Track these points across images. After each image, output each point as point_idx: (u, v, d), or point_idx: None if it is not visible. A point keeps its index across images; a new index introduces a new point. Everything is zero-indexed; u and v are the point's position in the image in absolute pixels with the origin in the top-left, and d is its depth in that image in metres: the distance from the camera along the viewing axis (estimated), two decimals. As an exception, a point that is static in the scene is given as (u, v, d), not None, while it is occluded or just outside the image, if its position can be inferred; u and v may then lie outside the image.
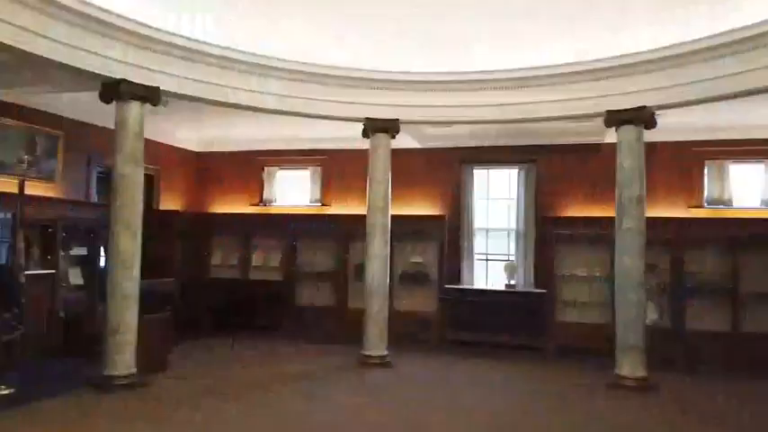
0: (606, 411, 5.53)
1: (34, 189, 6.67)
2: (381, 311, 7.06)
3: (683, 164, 8.29)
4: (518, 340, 8.13)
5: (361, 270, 8.08)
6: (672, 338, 7.46)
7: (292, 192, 10.07)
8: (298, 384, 6.22)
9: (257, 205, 10.09)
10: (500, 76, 6.74)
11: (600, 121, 6.67)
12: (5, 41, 4.75)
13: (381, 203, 7.13)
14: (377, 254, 7.09)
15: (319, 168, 9.84)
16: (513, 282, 8.61)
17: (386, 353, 7.05)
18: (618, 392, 6.00)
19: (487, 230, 9.20)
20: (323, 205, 9.74)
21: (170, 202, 9.77)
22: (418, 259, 8.94)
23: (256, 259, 9.74)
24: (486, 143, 8.81)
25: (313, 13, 5.49)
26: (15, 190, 5.92)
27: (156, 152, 8.04)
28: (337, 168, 9.63)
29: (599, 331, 7.54)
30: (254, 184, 10.17)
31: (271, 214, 9.88)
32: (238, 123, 8.77)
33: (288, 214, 9.64)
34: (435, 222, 8.97)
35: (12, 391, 5.45)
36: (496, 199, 9.21)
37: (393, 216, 7.33)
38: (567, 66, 6.40)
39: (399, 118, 7.16)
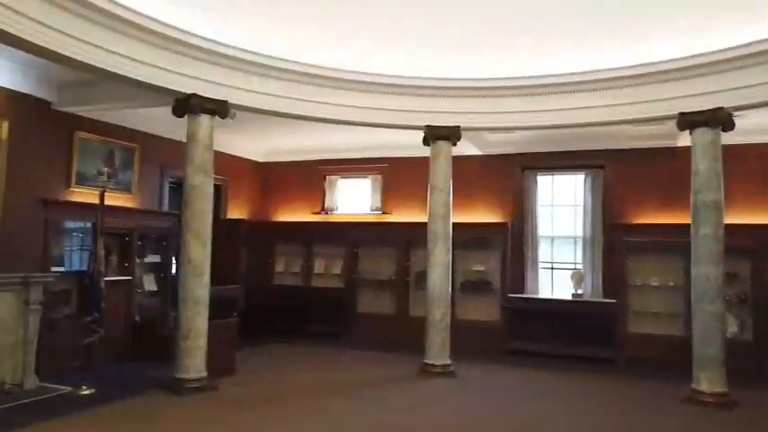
0: (680, 428, 5.24)
1: (113, 200, 7.04)
2: (443, 320, 6.99)
3: (765, 166, 7.79)
4: (586, 352, 7.85)
5: (422, 278, 8.05)
6: (754, 352, 7.01)
7: (353, 200, 10.19)
8: (358, 392, 6.24)
9: (319, 213, 10.26)
10: (564, 80, 6.56)
11: (673, 124, 6.38)
12: (90, 62, 5.08)
13: (442, 211, 7.08)
14: (438, 262, 7.04)
15: (379, 176, 9.91)
16: (580, 291, 8.34)
17: (449, 362, 6.97)
18: (694, 409, 5.66)
19: (552, 238, 8.97)
20: (383, 213, 9.79)
21: (236, 211, 10.09)
22: (480, 267, 8.83)
23: (318, 267, 9.91)
24: (551, 149, 8.63)
25: (371, 24, 5.53)
26: (96, 200, 6.30)
27: (223, 163, 8.31)
28: (397, 176, 9.66)
29: (674, 343, 7.21)
30: (316, 193, 10.36)
31: (332, 222, 10.03)
32: (300, 133, 8.98)
33: (349, 222, 9.75)
34: (497, 230, 8.83)
35: (92, 391, 5.77)
36: (561, 206, 8.97)
37: (454, 223, 7.25)
38: (636, 67, 6.15)
39: (460, 125, 7.10)
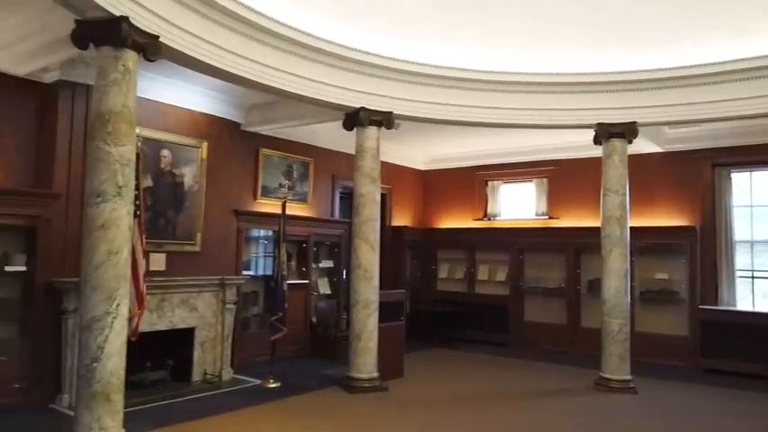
0: None
1: (291, 209, 7.61)
2: (622, 331, 6.45)
3: None
4: (800, 375, 6.74)
5: (595, 286, 7.55)
6: None
7: (517, 205, 9.91)
8: (529, 403, 6.01)
9: (481, 220, 10.15)
10: (761, 63, 5.72)
11: None
12: (276, 85, 5.59)
13: (618, 214, 6.55)
14: (614, 269, 6.52)
15: (545, 180, 9.52)
16: (789, 304, 7.18)
17: (629, 377, 6.41)
18: None
19: (752, 243, 7.83)
20: (550, 218, 9.38)
21: (400, 219, 10.38)
22: (663, 275, 8.03)
23: (482, 273, 9.80)
24: (747, 141, 7.58)
25: (529, 22, 5.33)
26: (278, 210, 6.91)
27: (387, 172, 8.62)
28: (565, 179, 9.20)
29: None
30: (478, 199, 10.26)
31: (495, 228, 9.84)
32: (461, 140, 8.99)
33: (513, 228, 9.50)
34: (683, 234, 7.93)
35: (278, 384, 6.31)
36: (763, 206, 7.80)
37: (631, 228, 6.68)
38: None
39: (637, 120, 6.54)
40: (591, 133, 6.79)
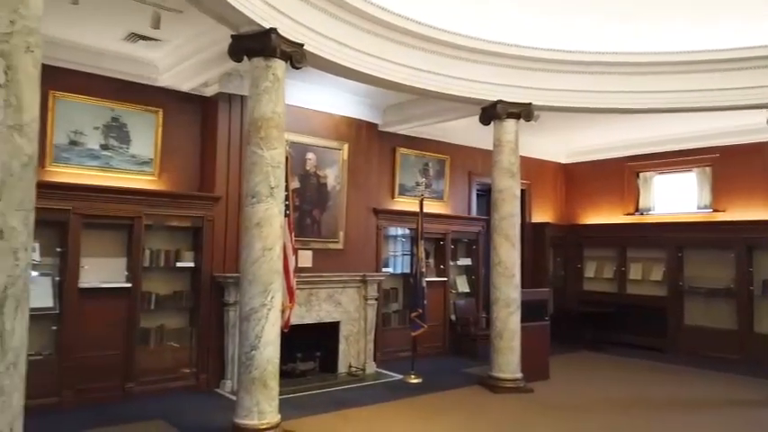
0: None
1: (428, 207, 7.62)
2: (809, 340, 5.61)
3: None
4: None
5: (772, 287, 6.64)
6: None
7: (674, 198, 9.03)
8: (693, 414, 5.41)
9: (632, 215, 9.40)
10: None
11: None
12: (417, 85, 5.66)
13: (802, 204, 5.71)
14: (798, 267, 5.69)
15: (708, 169, 8.55)
16: None
17: (819, 393, 5.56)
18: None
19: None
20: (714, 211, 8.41)
21: (540, 215, 9.96)
22: None
23: (634, 272, 9.08)
24: None
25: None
26: (415, 208, 6.97)
27: (526, 167, 8.31)
28: (732, 167, 8.19)
29: None
30: (628, 192, 9.52)
31: (649, 224, 9.07)
32: (607, 129, 8.42)
33: (670, 223, 8.68)
34: None
35: (420, 380, 6.36)
36: None
37: (819, 220, 5.79)
38: None
39: (824, 96, 5.64)
40: (763, 114, 5.98)
